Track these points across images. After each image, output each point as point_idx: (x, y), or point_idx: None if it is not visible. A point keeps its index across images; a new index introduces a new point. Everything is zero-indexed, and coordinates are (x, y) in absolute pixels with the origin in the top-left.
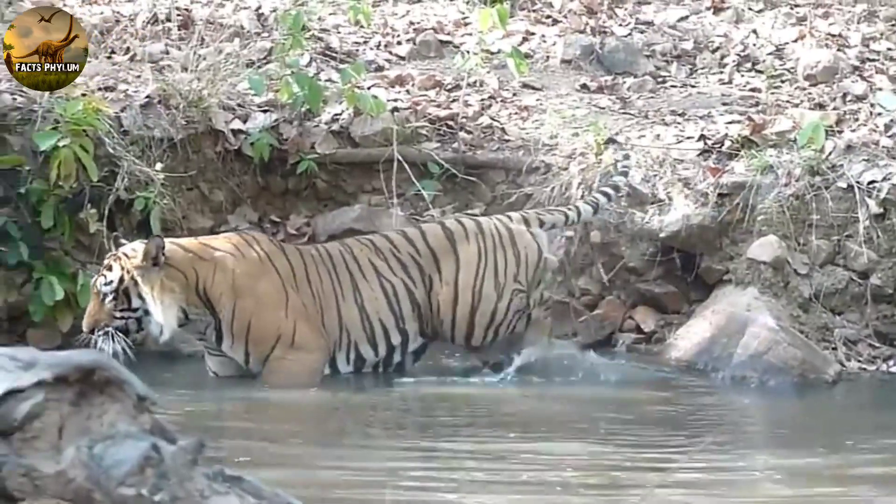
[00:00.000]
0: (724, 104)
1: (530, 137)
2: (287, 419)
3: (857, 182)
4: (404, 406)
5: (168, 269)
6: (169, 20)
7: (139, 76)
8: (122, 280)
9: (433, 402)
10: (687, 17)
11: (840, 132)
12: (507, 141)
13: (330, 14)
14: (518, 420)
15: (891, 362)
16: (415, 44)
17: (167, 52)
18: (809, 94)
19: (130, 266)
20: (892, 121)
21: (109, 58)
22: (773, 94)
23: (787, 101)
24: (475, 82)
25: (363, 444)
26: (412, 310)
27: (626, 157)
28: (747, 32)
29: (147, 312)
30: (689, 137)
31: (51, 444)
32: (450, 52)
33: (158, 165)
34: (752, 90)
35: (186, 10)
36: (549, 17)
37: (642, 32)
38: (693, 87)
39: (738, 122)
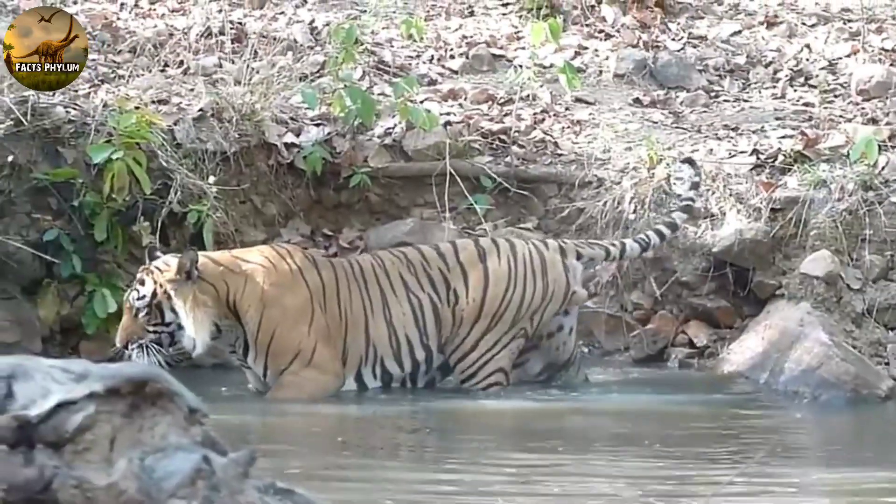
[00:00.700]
0: (777, 119)
1: (583, 152)
2: (334, 432)
3: None
4: (444, 422)
5: (200, 282)
6: (222, 34)
7: (192, 89)
8: (154, 294)
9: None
10: (740, 31)
11: (893, 147)
12: (560, 155)
13: (383, 28)
14: (589, 435)
15: None
16: (467, 58)
17: (220, 66)
18: (862, 108)
19: (163, 280)
20: None
21: (163, 71)
22: (825, 108)
23: (840, 116)
24: (528, 96)
25: (414, 457)
26: (436, 326)
27: (696, 186)
28: (800, 47)
29: (180, 326)
30: (741, 152)
31: (102, 456)
32: (502, 66)
33: (211, 178)
34: (805, 105)
35: (240, 23)
36: (601, 31)
37: (695, 47)
38: (746, 101)
39: (791, 136)
